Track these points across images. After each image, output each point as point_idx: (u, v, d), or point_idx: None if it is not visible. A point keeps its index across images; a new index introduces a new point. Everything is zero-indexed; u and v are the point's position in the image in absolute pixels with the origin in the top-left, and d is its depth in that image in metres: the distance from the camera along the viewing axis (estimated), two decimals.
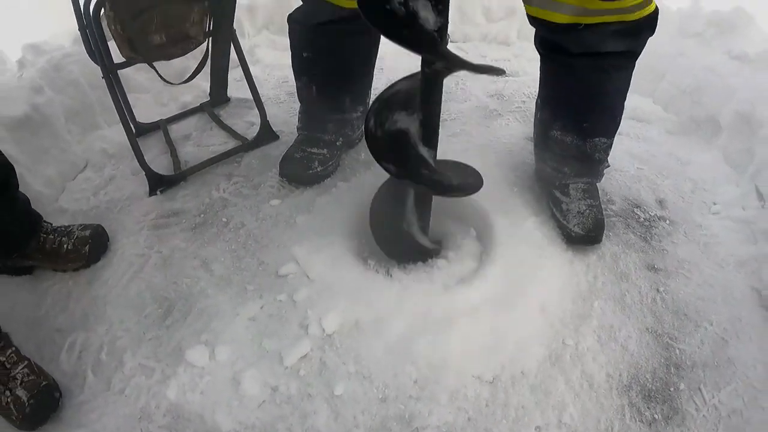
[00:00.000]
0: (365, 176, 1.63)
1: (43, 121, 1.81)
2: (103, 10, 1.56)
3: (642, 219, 1.63)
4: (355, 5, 1.36)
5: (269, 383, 1.19)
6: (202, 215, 1.59)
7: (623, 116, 1.49)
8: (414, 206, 1.30)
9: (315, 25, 1.51)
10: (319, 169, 1.62)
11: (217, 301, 1.35)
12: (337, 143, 1.67)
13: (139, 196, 1.69)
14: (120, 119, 1.72)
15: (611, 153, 1.56)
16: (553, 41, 1.37)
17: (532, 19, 1.34)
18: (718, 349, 1.30)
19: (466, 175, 1.28)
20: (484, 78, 2.26)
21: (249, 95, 1.91)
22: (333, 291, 1.32)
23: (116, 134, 1.96)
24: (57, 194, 1.77)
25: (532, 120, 1.65)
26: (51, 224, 1.54)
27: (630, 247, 1.53)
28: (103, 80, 1.70)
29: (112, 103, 1.72)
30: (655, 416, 1.16)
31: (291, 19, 1.59)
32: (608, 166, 1.59)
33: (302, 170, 1.62)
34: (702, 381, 1.23)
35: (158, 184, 1.69)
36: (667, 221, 1.63)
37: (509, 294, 1.33)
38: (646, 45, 1.35)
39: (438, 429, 1.13)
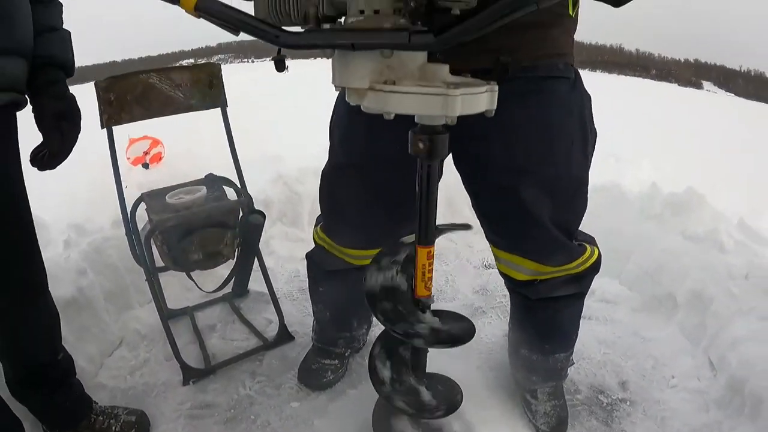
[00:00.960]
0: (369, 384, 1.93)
1: (86, 302, 2.05)
2: None
3: (605, 404, 1.83)
4: (363, 263, 1.76)
5: None
6: (233, 410, 1.82)
7: (593, 299, 1.83)
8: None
9: (328, 271, 1.76)
10: (331, 378, 1.93)
11: None
12: (346, 354, 1.99)
13: (173, 383, 1.93)
14: (159, 314, 2.01)
15: (581, 340, 1.77)
16: (515, 289, 1.67)
17: (500, 272, 1.64)
18: None
19: (450, 389, 1.49)
20: (471, 273, 2.62)
21: (265, 288, 2.21)
22: None
23: (148, 315, 2.23)
24: (96, 370, 1.99)
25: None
26: (98, 404, 1.76)
27: None
28: (137, 264, 2.03)
29: (149, 291, 2.01)
30: None
31: (309, 258, 1.84)
32: (573, 364, 1.82)
33: (318, 380, 1.93)
34: None
35: (191, 375, 1.94)
36: (628, 402, 1.83)
37: None
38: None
39: None
